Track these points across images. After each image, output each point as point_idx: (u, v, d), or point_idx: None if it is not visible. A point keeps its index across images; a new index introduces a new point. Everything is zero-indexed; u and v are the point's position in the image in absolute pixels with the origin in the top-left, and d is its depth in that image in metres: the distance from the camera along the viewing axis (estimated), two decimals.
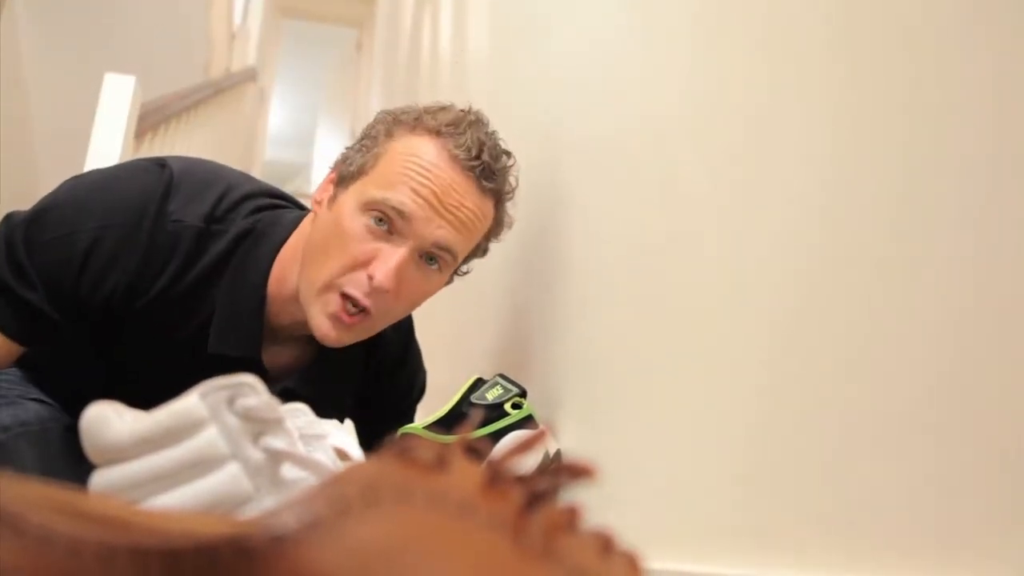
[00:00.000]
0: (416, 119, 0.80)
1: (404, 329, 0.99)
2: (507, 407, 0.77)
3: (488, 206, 0.81)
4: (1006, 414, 0.46)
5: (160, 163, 0.79)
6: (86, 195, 0.76)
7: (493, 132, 0.82)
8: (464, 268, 0.87)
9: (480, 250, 0.86)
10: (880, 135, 0.51)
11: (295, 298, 0.80)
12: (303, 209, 0.90)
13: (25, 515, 0.19)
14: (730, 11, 0.65)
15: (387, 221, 0.76)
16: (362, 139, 0.82)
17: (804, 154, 0.55)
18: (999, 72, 0.46)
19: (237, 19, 4.88)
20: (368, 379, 0.95)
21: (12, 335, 0.76)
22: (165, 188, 0.77)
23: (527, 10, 1.24)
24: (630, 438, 0.67)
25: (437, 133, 0.78)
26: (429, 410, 0.87)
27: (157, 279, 0.77)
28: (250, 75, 4.56)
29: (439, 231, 0.77)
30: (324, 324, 0.77)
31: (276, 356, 0.86)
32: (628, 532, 0.27)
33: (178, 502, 0.33)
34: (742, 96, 0.61)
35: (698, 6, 0.70)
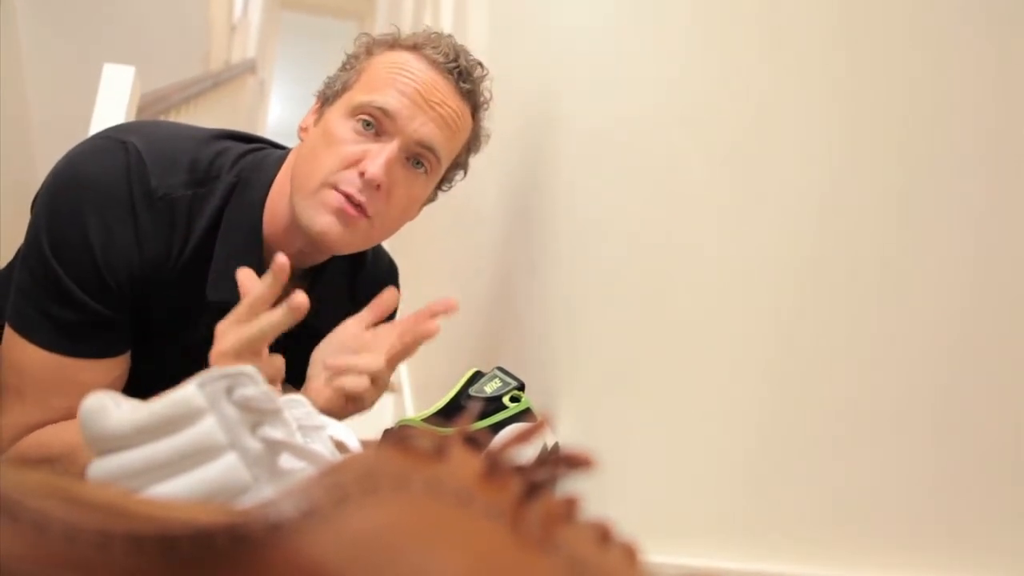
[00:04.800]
0: (394, 39, 0.86)
1: (386, 269, 1.04)
2: (505, 400, 0.77)
3: (467, 111, 0.86)
4: (1006, 413, 0.46)
5: (120, 141, 0.79)
6: (75, 199, 0.76)
7: (466, 47, 0.88)
8: (446, 185, 0.92)
9: (462, 164, 0.91)
10: (880, 130, 0.51)
11: (290, 227, 0.83)
12: (278, 147, 0.93)
13: (22, 501, 0.19)
14: (732, 3, 0.64)
15: (374, 123, 0.80)
16: (343, 63, 0.88)
17: (804, 148, 0.55)
18: (999, 71, 0.46)
19: (237, 11, 4.86)
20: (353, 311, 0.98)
21: (89, 353, 0.78)
22: (139, 166, 0.78)
23: (527, 2, 1.23)
24: (628, 432, 0.67)
25: (414, 47, 0.84)
26: (427, 403, 0.87)
27: (167, 253, 0.80)
28: (250, 67, 4.55)
29: (423, 128, 0.81)
30: (326, 219, 0.79)
31: None
32: (626, 524, 0.27)
33: (176, 491, 0.33)
34: (742, 88, 0.61)
35: None
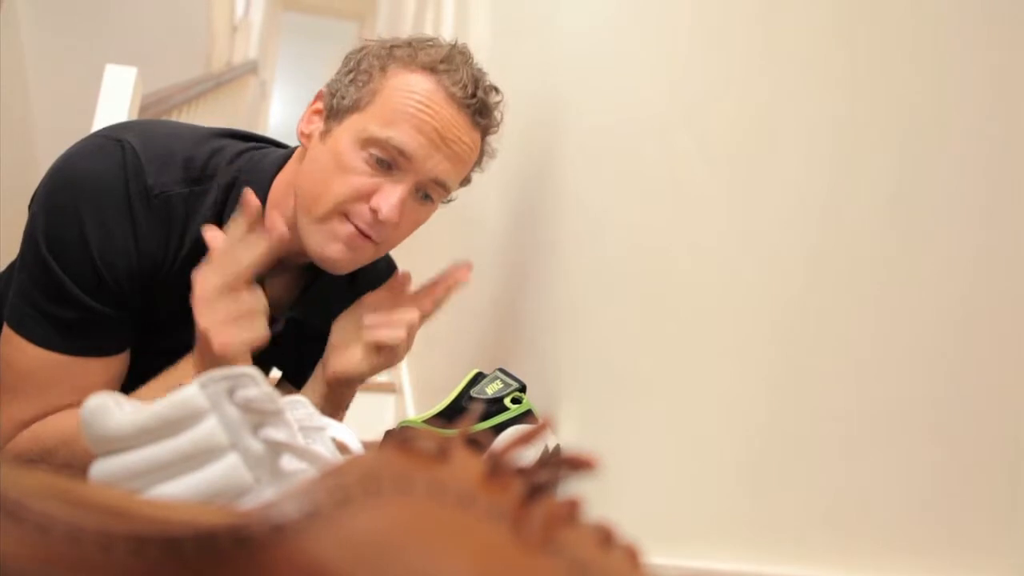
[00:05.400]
0: (410, 55, 0.81)
1: (385, 268, 1.04)
2: (507, 401, 0.77)
3: (478, 139, 0.85)
4: (1006, 413, 0.46)
5: (116, 140, 0.79)
6: (71, 197, 0.76)
7: (480, 67, 0.85)
8: (449, 197, 0.92)
9: (466, 182, 0.91)
10: (881, 130, 0.51)
11: (290, 227, 0.82)
12: (278, 146, 0.93)
13: (24, 502, 0.19)
14: (732, 4, 0.64)
15: (388, 158, 0.78)
16: (354, 72, 0.83)
17: (806, 149, 0.55)
18: (999, 71, 0.46)
19: (239, 12, 4.86)
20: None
21: (86, 351, 0.79)
22: (135, 164, 0.78)
23: (529, 3, 1.24)
24: (630, 433, 0.67)
25: (432, 70, 0.80)
26: (429, 404, 0.87)
27: (164, 252, 0.80)
28: (251, 68, 4.55)
29: (438, 167, 0.80)
30: (335, 247, 0.80)
31: (272, 291, 0.88)
32: (628, 526, 0.27)
33: (178, 492, 0.33)
34: (744, 89, 0.61)
35: None
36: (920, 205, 0.49)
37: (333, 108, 0.82)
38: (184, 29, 3.59)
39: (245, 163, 0.85)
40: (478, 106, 0.82)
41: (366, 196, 0.78)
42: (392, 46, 0.83)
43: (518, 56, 1.23)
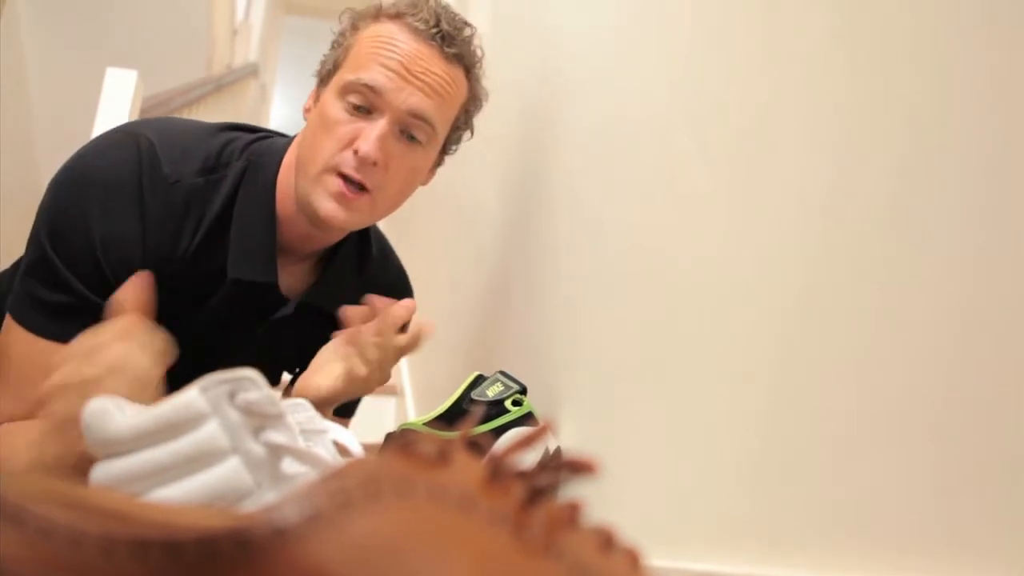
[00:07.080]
0: (377, 10, 0.87)
1: (395, 272, 1.05)
2: (507, 404, 0.77)
3: (457, 74, 0.86)
4: (1006, 413, 0.46)
5: (132, 134, 0.81)
6: (80, 190, 0.78)
7: (451, 7, 0.88)
8: (453, 147, 0.93)
9: (463, 125, 0.91)
10: (882, 128, 0.51)
11: (299, 207, 0.84)
12: (284, 136, 0.95)
13: (26, 507, 0.19)
14: (732, 4, 0.64)
15: (364, 101, 0.81)
16: (333, 42, 0.89)
17: (807, 149, 0.55)
18: (999, 70, 0.46)
19: (239, 15, 4.87)
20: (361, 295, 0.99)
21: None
22: (151, 156, 0.79)
23: (529, 3, 1.24)
24: (631, 435, 0.67)
25: (397, 16, 0.85)
26: (429, 407, 0.87)
27: (176, 242, 0.81)
28: (252, 71, 4.55)
29: (411, 99, 0.82)
30: (329, 205, 0.81)
31: (286, 278, 0.90)
32: (629, 529, 0.27)
33: (179, 495, 0.33)
34: (745, 88, 0.61)
35: None
36: (920, 205, 0.49)
37: (321, 77, 0.88)
38: (185, 32, 3.59)
39: (256, 151, 0.87)
40: (443, 36, 0.83)
41: (349, 143, 0.81)
42: (363, 9, 0.88)
43: (518, 56, 1.23)
